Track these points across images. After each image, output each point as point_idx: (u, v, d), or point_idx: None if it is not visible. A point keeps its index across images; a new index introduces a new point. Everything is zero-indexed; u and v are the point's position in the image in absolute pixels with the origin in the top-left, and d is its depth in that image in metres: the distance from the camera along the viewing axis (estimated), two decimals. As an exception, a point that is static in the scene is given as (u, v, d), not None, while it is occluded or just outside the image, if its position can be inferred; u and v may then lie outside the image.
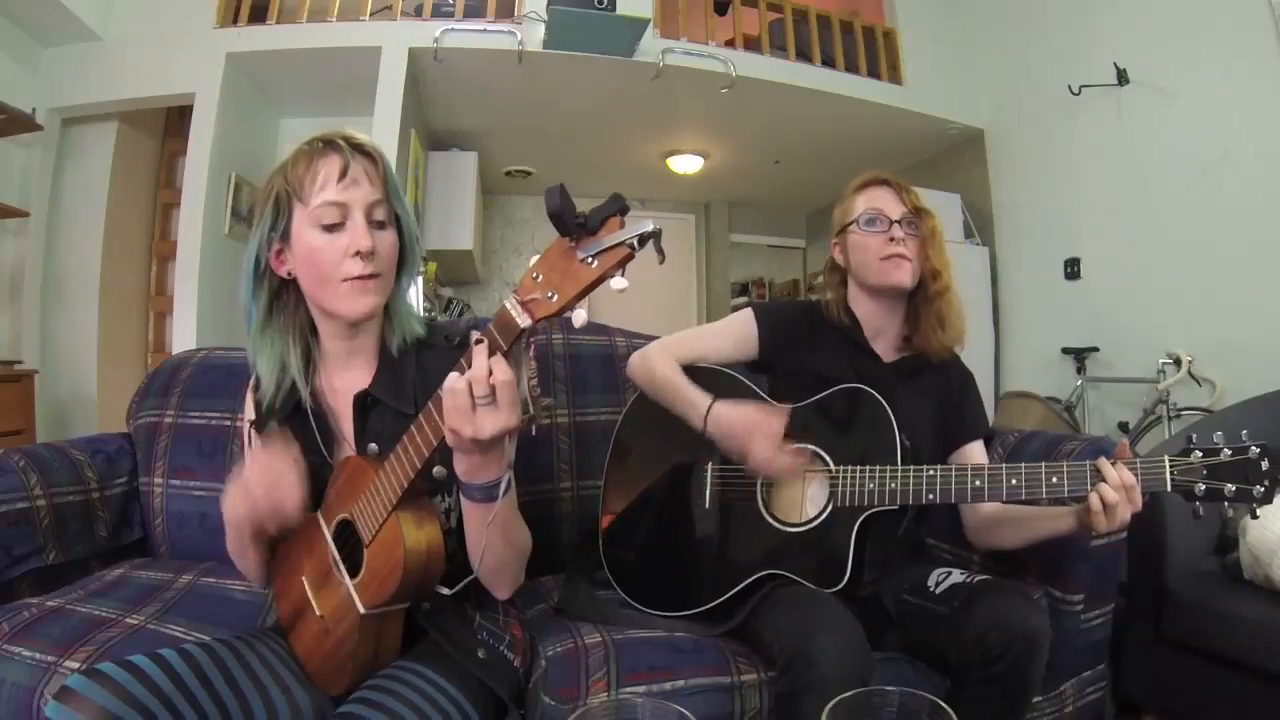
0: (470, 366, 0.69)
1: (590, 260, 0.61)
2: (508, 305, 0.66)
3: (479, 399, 0.68)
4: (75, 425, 3.46)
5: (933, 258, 1.22)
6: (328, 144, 0.88)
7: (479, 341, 0.69)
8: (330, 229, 0.86)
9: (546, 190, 0.61)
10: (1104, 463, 0.96)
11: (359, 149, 0.88)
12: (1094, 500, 0.95)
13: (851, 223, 1.26)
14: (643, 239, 0.60)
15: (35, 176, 3.33)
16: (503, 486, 0.78)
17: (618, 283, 0.62)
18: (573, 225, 0.61)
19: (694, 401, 1.16)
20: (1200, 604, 1.38)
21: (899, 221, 1.21)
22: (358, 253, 0.85)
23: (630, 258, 0.61)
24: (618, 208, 0.61)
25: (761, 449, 1.06)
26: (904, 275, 1.21)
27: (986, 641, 0.94)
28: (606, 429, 1.41)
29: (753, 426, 1.07)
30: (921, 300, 1.24)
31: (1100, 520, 0.95)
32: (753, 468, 1.09)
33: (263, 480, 0.85)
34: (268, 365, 0.93)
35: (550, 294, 0.63)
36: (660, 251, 0.61)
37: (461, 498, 0.82)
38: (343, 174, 0.86)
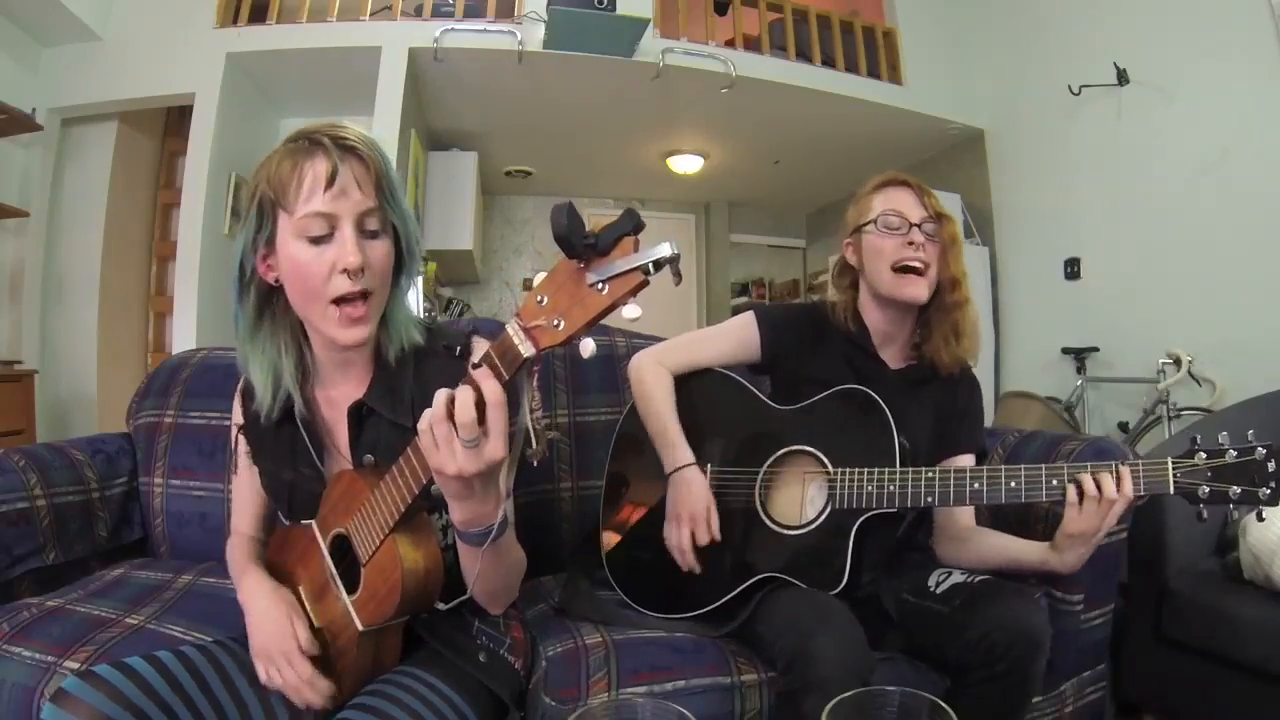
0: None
1: (600, 286, 0.56)
2: (510, 331, 0.62)
3: (464, 441, 0.64)
4: (75, 425, 3.47)
5: (952, 265, 1.17)
6: (314, 143, 0.80)
7: (477, 366, 0.64)
8: (316, 240, 0.79)
9: (553, 209, 0.56)
10: (1118, 470, 0.95)
11: (350, 150, 0.80)
12: (1071, 492, 0.96)
13: (868, 223, 1.20)
14: (658, 264, 0.55)
15: (35, 176, 3.34)
16: (495, 530, 0.74)
17: (630, 311, 0.56)
18: (582, 247, 0.56)
19: (675, 452, 1.17)
20: (1200, 604, 1.37)
21: (918, 225, 1.16)
22: (345, 270, 0.79)
23: (645, 284, 0.56)
24: (631, 225, 0.56)
25: (683, 533, 1.11)
26: (917, 291, 1.16)
27: (988, 642, 0.94)
28: (606, 429, 1.41)
29: (694, 514, 1.11)
30: (936, 310, 1.19)
31: (1074, 513, 0.96)
32: (665, 535, 1.14)
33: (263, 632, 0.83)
34: (261, 375, 0.88)
35: (556, 321, 0.59)
36: (677, 274, 0.56)
37: (457, 539, 0.79)
38: (330, 181, 0.78)
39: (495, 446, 0.65)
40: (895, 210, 1.18)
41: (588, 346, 0.58)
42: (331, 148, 0.79)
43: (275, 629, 0.82)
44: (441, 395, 0.65)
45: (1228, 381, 2.76)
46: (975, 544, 1.16)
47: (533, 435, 0.68)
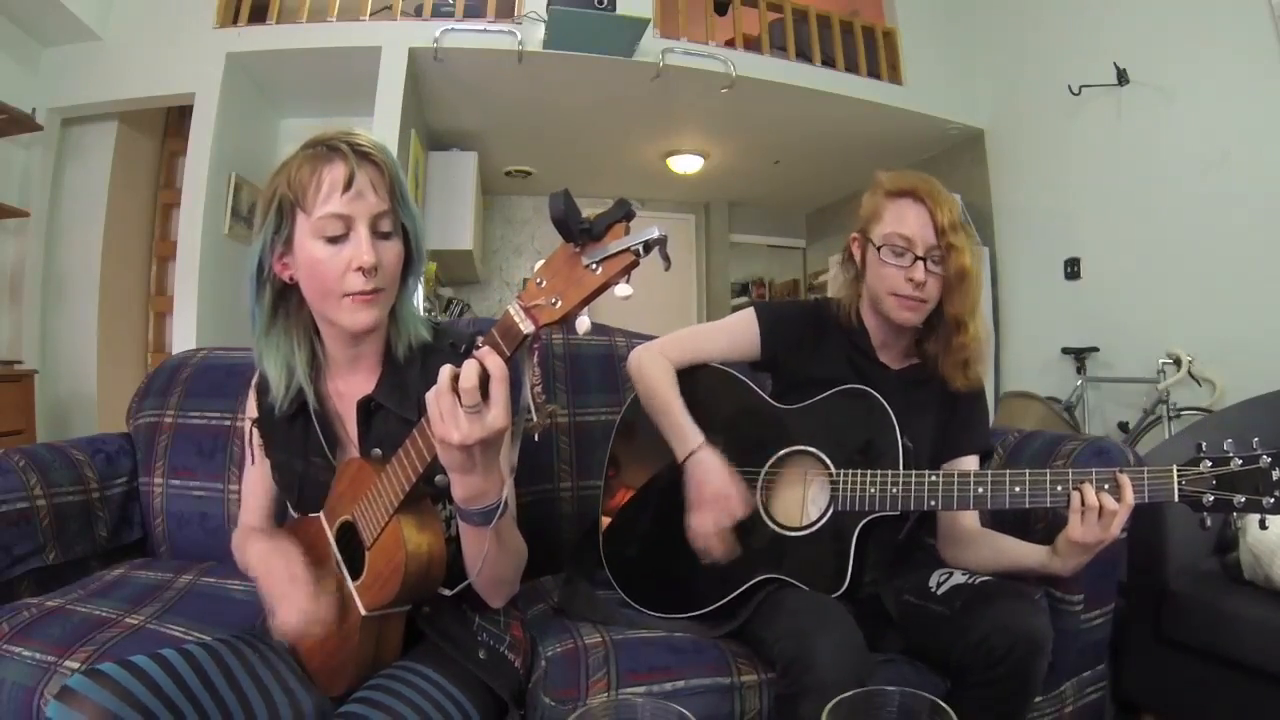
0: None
1: (594, 266, 0.61)
2: (511, 310, 0.66)
3: (467, 408, 0.67)
4: (75, 425, 3.46)
5: (957, 303, 1.11)
6: (332, 149, 0.85)
7: (479, 347, 0.68)
8: (333, 240, 0.84)
9: (551, 196, 0.60)
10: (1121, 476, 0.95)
11: (365, 156, 0.85)
12: (1075, 499, 0.96)
13: (877, 245, 1.15)
14: (648, 245, 0.59)
15: (35, 176, 3.33)
16: (500, 510, 0.77)
17: (622, 289, 0.62)
18: (577, 231, 0.61)
19: (684, 436, 1.14)
20: (1200, 604, 1.38)
21: (924, 258, 1.10)
22: (360, 268, 0.84)
23: (635, 264, 0.60)
24: (623, 213, 0.61)
25: (709, 520, 1.07)
26: (914, 318, 1.14)
27: (989, 643, 0.94)
28: (606, 429, 1.41)
29: (718, 497, 1.07)
30: (944, 346, 1.15)
31: (1076, 521, 0.96)
32: (690, 528, 1.10)
33: (273, 587, 0.85)
34: (275, 369, 0.92)
35: (554, 300, 0.63)
36: (666, 258, 0.61)
37: (459, 520, 0.81)
38: (348, 185, 0.83)
39: (497, 415, 0.68)
40: (903, 235, 1.12)
41: (583, 324, 0.63)
42: (349, 153, 0.84)
43: (278, 572, 0.87)
44: (446, 370, 0.68)
45: (1228, 381, 2.76)
46: (978, 546, 1.16)
47: (533, 410, 0.71)
